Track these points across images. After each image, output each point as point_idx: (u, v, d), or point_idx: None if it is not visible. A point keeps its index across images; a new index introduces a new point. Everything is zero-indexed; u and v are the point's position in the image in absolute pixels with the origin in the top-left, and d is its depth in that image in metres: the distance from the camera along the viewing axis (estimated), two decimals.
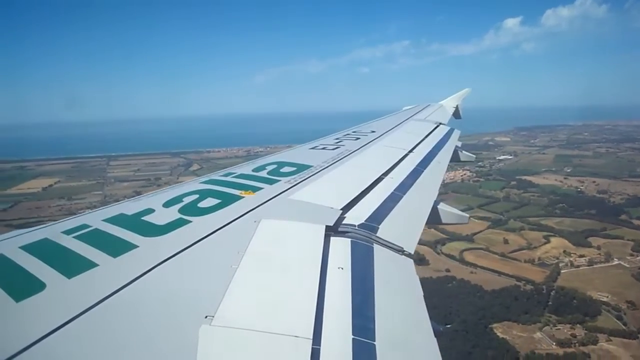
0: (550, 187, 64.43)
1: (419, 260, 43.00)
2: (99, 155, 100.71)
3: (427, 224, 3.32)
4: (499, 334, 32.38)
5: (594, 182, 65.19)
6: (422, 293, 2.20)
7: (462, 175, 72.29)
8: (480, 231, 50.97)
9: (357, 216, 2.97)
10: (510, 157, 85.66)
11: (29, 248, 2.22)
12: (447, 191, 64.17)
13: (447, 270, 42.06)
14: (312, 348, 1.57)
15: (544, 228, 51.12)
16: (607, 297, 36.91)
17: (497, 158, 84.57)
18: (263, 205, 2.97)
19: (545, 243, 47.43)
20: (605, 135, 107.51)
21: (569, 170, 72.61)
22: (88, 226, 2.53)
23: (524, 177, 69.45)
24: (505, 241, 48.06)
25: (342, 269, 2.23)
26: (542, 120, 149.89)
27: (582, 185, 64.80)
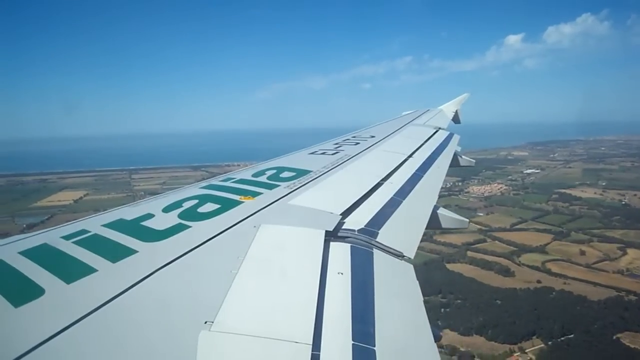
0: (593, 200, 64.32)
1: (504, 271, 43.78)
2: (118, 169, 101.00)
3: (426, 228, 3.32)
4: (627, 343, 32.02)
5: (635, 195, 65.00)
6: (422, 298, 2.20)
7: (499, 189, 72.57)
8: (547, 243, 50.77)
9: (357, 221, 2.96)
10: (537, 171, 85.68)
11: (28, 253, 2.21)
12: (491, 204, 64.80)
13: (538, 282, 41.64)
14: (312, 354, 1.56)
15: (612, 240, 50.91)
16: None
17: (525, 172, 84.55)
18: (263, 210, 2.97)
19: (623, 255, 47.28)
20: (622, 149, 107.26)
21: (604, 184, 72.47)
22: (87, 231, 2.53)
23: (562, 190, 69.33)
24: (582, 253, 47.70)
25: (341, 274, 2.22)
26: (552, 135, 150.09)
27: (624, 198, 64.78)
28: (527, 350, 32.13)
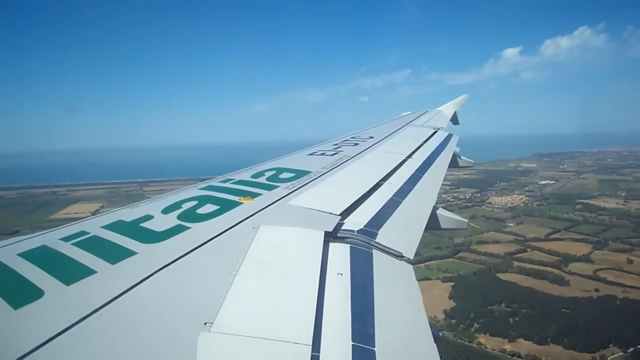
0: (619, 211, 64.71)
1: (559, 280, 44.12)
2: (127, 181, 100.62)
3: (426, 229, 3.32)
4: None
5: None
6: (421, 298, 2.20)
7: (520, 200, 73.40)
8: (590, 252, 51.16)
9: (356, 222, 2.96)
10: (552, 182, 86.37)
11: (27, 255, 2.21)
12: (518, 214, 65.55)
13: (597, 290, 41.91)
14: (312, 355, 1.56)
15: None
16: None
17: (540, 183, 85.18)
18: (262, 211, 2.97)
19: None
20: (630, 160, 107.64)
21: (623, 195, 72.87)
22: (86, 233, 2.53)
23: (584, 201, 69.72)
24: (630, 261, 47.93)
25: (341, 274, 2.22)
26: (555, 147, 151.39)
27: None
28: (608, 359, 32.33)
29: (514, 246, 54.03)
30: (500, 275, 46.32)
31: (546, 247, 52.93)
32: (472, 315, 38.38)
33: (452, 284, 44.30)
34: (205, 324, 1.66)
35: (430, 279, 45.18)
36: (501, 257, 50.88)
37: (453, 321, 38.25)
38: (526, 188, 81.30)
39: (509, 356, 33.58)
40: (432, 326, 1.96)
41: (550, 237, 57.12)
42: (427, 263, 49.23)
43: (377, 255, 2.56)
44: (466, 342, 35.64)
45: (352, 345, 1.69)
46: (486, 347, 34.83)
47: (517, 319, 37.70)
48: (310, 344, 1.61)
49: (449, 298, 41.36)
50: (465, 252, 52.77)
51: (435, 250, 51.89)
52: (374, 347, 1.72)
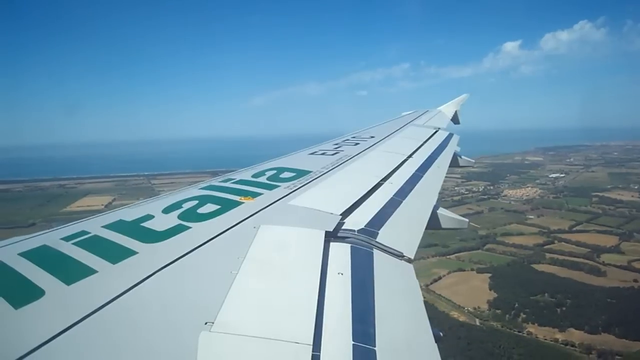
0: (636, 203, 64.56)
1: (596, 271, 44.16)
2: (133, 174, 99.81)
3: (426, 228, 3.32)
4: None
5: None
6: (422, 298, 2.20)
7: (535, 193, 73.49)
8: (618, 244, 51.18)
9: (357, 221, 2.96)
10: (562, 175, 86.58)
11: (28, 255, 2.21)
12: (537, 207, 65.84)
13: (635, 281, 41.87)
14: (312, 354, 1.56)
15: None
16: None
17: (550, 176, 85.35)
18: (262, 211, 2.97)
19: None
20: (636, 154, 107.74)
21: (636, 187, 73.09)
22: (87, 232, 2.53)
23: (599, 194, 69.94)
24: None
25: (342, 274, 2.22)
26: (557, 141, 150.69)
27: None
28: None
29: (540, 238, 54.34)
30: (536, 267, 46.43)
31: (573, 239, 53.12)
32: (516, 305, 38.42)
33: (489, 275, 44.32)
34: (206, 323, 1.66)
35: (464, 270, 45.62)
36: (531, 249, 51.17)
37: (498, 311, 38.26)
38: (537, 181, 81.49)
39: (562, 345, 33.60)
40: (432, 326, 1.96)
41: (574, 229, 57.37)
42: (457, 254, 49.57)
43: (377, 254, 2.56)
44: (516, 332, 35.60)
45: (353, 344, 1.69)
46: (537, 337, 34.79)
47: (564, 309, 37.76)
48: (311, 343, 1.61)
49: (490, 289, 41.44)
50: (492, 243, 53.03)
51: (461, 242, 52.01)
52: (375, 346, 1.72)
